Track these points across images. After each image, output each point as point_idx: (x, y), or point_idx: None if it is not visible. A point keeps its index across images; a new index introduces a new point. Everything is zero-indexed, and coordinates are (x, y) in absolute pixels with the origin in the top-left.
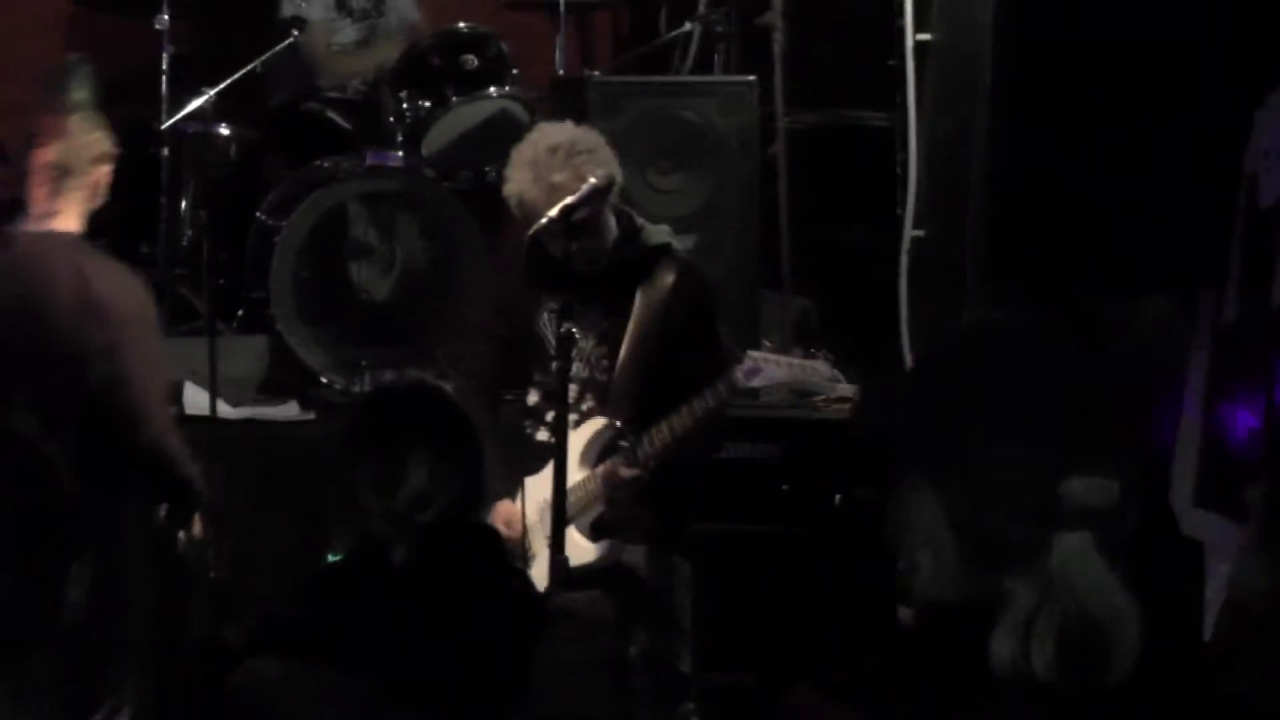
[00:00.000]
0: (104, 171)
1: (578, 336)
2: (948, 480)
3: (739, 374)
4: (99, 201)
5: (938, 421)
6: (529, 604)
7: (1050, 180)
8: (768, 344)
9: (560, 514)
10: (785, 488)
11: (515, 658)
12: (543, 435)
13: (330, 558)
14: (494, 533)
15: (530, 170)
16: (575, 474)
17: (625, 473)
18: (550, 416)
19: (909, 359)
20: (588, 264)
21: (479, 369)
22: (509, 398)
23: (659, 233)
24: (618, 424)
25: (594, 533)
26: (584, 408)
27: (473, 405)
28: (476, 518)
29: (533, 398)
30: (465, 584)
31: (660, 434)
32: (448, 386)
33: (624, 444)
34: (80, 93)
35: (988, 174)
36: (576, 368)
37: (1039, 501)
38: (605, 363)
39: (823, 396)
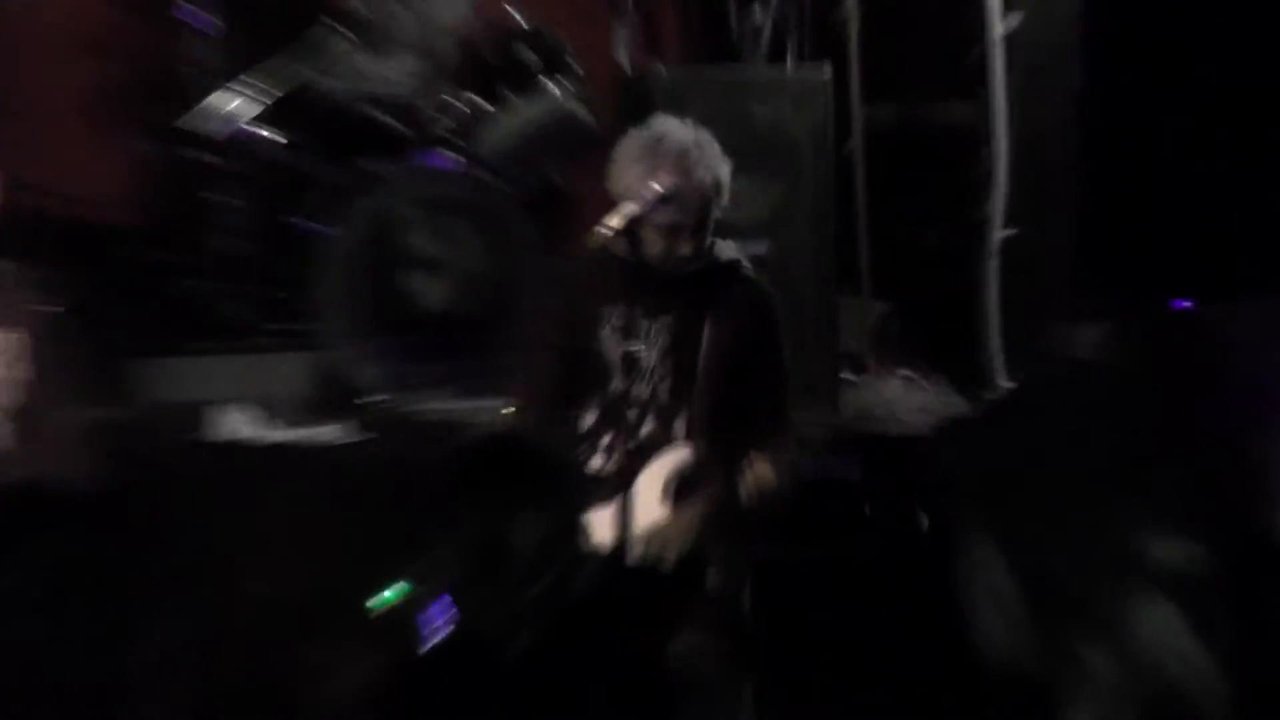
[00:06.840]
0: None
1: (640, 356)
2: (1013, 534)
3: None
4: None
5: (1005, 471)
6: None
7: (1147, 180)
8: None
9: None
10: (866, 510)
11: None
12: (597, 463)
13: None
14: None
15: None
16: (651, 510)
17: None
18: (607, 442)
19: (998, 368)
20: (679, 267)
21: (547, 386)
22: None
23: (728, 247)
24: (697, 450)
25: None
26: (642, 432)
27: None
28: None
29: (587, 421)
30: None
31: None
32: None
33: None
34: None
35: (1077, 173)
36: (638, 388)
37: (1110, 559)
38: (668, 382)
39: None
